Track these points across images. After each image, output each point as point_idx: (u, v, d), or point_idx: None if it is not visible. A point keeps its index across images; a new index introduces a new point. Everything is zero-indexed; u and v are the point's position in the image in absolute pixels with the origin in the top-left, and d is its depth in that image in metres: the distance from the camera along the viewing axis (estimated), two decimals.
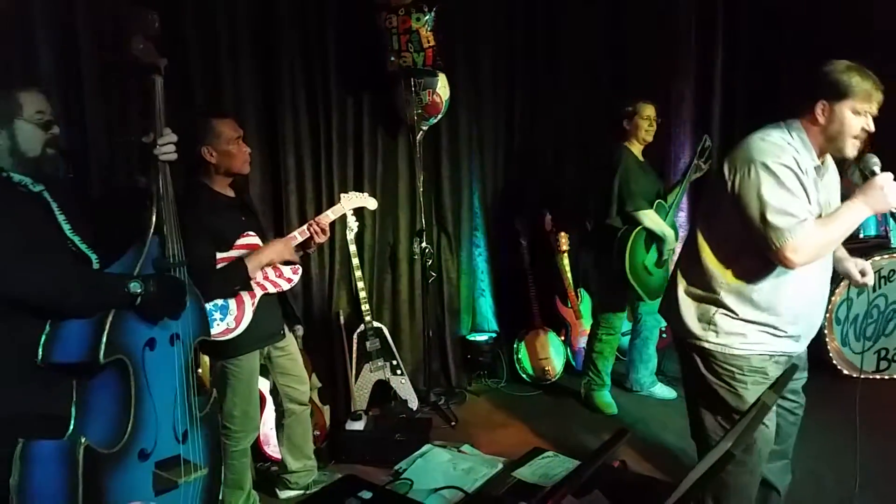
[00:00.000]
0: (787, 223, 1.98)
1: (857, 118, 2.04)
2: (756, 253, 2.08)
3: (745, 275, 2.15)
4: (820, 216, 2.10)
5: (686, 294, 2.28)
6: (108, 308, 1.84)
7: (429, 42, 3.86)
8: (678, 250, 3.63)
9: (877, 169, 2.08)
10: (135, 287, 1.87)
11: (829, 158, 2.22)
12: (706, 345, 2.20)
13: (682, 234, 4.54)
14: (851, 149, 2.09)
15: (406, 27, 3.78)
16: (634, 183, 3.85)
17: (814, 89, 2.08)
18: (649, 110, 3.95)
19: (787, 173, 2.01)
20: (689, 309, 2.26)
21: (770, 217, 1.99)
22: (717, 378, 2.20)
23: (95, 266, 1.99)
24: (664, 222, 3.91)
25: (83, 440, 1.76)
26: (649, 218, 3.85)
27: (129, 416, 1.88)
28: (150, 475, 1.94)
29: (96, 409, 1.88)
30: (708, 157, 4.14)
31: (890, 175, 2.03)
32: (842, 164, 2.24)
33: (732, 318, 2.17)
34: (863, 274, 2.32)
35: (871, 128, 2.06)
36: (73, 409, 1.86)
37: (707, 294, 2.22)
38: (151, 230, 2.00)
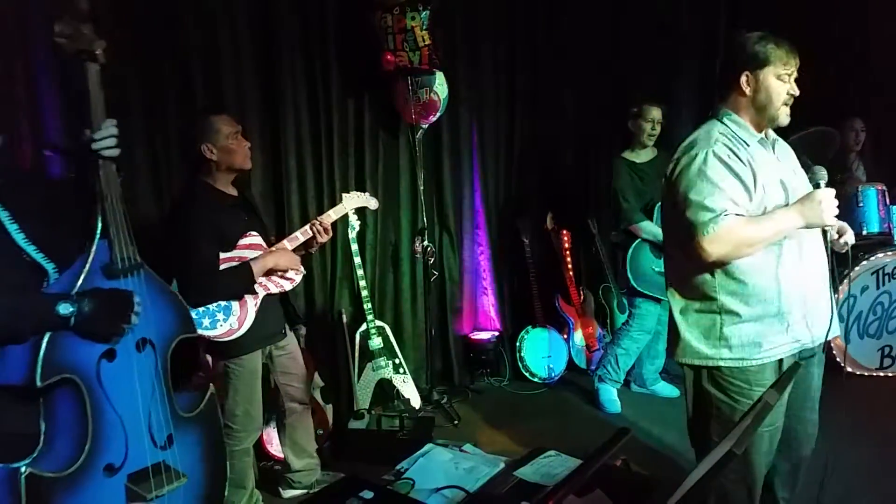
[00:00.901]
0: (704, 217, 1.99)
1: (781, 84, 2.08)
2: None
3: (734, 268, 2.09)
4: (784, 190, 2.09)
5: (683, 314, 2.22)
6: (39, 333, 1.71)
7: (424, 41, 3.86)
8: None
9: (822, 183, 2.07)
10: (64, 309, 1.70)
11: (772, 133, 2.22)
12: (720, 363, 2.13)
13: None
14: (784, 116, 2.12)
15: (401, 26, 3.78)
16: (625, 199, 3.91)
17: (735, 63, 2.12)
18: (654, 113, 3.96)
19: (713, 163, 2.03)
20: (692, 329, 2.19)
21: (689, 212, 2.02)
22: (723, 393, 2.14)
23: (54, 276, 1.84)
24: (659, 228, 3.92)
25: (24, 469, 1.67)
26: (644, 230, 3.90)
27: (87, 434, 1.78)
28: (122, 489, 1.85)
29: (56, 428, 1.78)
30: None
31: (832, 191, 2.02)
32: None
33: (739, 323, 2.10)
34: (840, 233, 2.26)
35: (796, 91, 2.11)
36: (42, 425, 1.77)
37: (706, 304, 2.15)
38: (97, 235, 1.84)
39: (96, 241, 1.84)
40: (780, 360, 2.12)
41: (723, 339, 2.12)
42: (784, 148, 2.28)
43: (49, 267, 1.83)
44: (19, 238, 1.79)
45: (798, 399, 2.26)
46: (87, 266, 1.82)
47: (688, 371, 2.24)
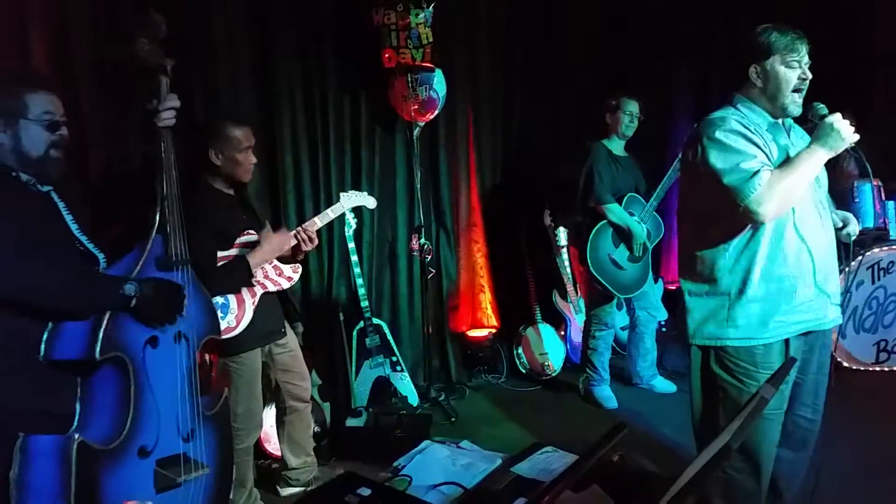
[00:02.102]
0: (740, 179, 2.02)
1: (790, 71, 2.12)
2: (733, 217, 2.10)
3: (740, 250, 2.14)
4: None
5: (692, 296, 2.26)
6: (102, 310, 1.84)
7: (427, 38, 3.86)
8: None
9: (823, 112, 2.11)
10: (129, 290, 1.87)
11: (788, 120, 2.25)
12: (727, 342, 2.16)
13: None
14: (794, 105, 2.15)
15: (405, 23, 3.78)
16: (600, 178, 3.91)
17: (744, 57, 2.17)
18: (632, 106, 3.98)
19: (731, 136, 2.08)
20: (696, 310, 2.24)
21: (726, 180, 2.04)
22: (729, 374, 2.18)
23: (103, 265, 2.00)
24: (631, 217, 3.94)
25: (77, 436, 1.78)
26: (611, 212, 3.91)
27: (129, 413, 1.89)
28: (151, 472, 1.94)
29: (97, 405, 1.89)
30: None
31: (837, 115, 2.06)
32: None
33: (746, 303, 2.13)
34: (845, 224, 2.31)
35: (808, 76, 2.13)
36: (77, 406, 1.87)
37: (713, 286, 2.19)
38: (155, 229, 2.00)
39: (153, 234, 2.00)
40: (787, 342, 2.15)
41: (730, 319, 2.16)
42: (799, 134, 2.32)
43: (100, 256, 1.99)
44: (74, 228, 1.96)
45: (803, 384, 2.28)
46: (144, 256, 1.97)
47: (696, 353, 2.28)
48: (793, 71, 2.11)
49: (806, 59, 2.13)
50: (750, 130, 2.11)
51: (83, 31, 2.96)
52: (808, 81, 2.14)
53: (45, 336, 1.82)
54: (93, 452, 1.80)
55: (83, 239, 1.97)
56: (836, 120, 2.04)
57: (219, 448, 2.18)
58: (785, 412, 2.25)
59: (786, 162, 2.10)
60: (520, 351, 4.61)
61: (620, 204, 3.95)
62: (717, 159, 2.07)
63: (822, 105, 2.12)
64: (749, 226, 2.11)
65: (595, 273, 3.94)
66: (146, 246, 1.99)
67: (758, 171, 2.01)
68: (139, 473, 1.92)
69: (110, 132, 3.04)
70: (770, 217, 2.03)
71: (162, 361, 1.99)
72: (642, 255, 3.99)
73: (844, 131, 2.03)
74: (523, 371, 4.59)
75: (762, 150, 2.09)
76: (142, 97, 2.05)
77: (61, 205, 1.96)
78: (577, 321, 4.75)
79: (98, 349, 1.80)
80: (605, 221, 3.94)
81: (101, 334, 1.81)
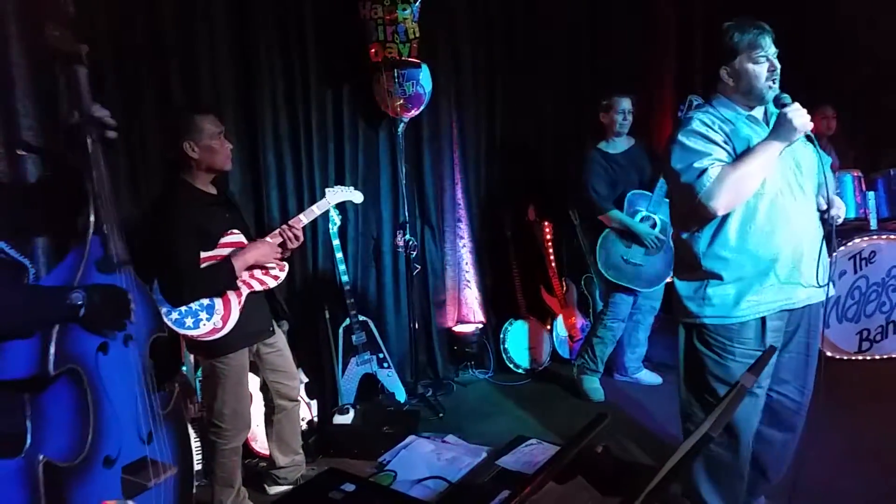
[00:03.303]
0: (691, 177, 2.14)
1: (758, 66, 2.19)
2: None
3: (712, 236, 2.25)
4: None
5: (679, 276, 2.39)
6: (50, 324, 1.73)
7: (414, 33, 3.85)
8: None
9: (786, 102, 2.14)
10: (76, 298, 1.73)
11: (769, 106, 2.30)
12: (705, 320, 2.28)
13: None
14: (768, 92, 2.21)
15: (392, 17, 3.77)
16: (595, 189, 3.98)
17: (715, 59, 2.27)
18: (624, 103, 4.00)
19: (692, 137, 2.20)
20: (681, 289, 2.36)
21: (682, 179, 2.17)
22: (708, 349, 2.30)
23: (32, 273, 1.86)
24: (636, 214, 3.95)
25: (41, 457, 1.69)
26: (612, 219, 3.95)
27: (90, 425, 1.81)
28: (118, 481, 1.88)
29: (53, 421, 1.79)
30: None
31: (797, 105, 2.11)
32: None
33: (721, 284, 2.25)
34: (830, 206, 2.34)
35: (777, 66, 2.20)
36: (27, 425, 1.76)
37: (694, 268, 2.30)
38: (91, 230, 1.88)
39: (90, 235, 1.87)
40: (763, 320, 2.25)
41: (706, 298, 2.27)
42: None
43: (27, 263, 1.84)
44: None
45: (786, 364, 2.37)
46: (84, 261, 1.85)
47: (681, 331, 2.41)
48: (760, 66, 2.18)
49: (772, 49, 2.19)
50: (713, 129, 2.20)
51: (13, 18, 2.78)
52: (777, 71, 2.20)
53: None
54: (59, 471, 1.72)
55: (3, 246, 1.81)
56: (791, 112, 2.08)
57: (178, 446, 2.13)
58: (769, 391, 2.36)
59: (740, 154, 2.17)
60: (507, 345, 4.61)
61: (621, 203, 3.97)
62: (676, 160, 2.22)
63: (785, 95, 2.16)
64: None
65: (613, 279, 3.98)
66: (84, 249, 1.86)
67: (706, 168, 2.12)
68: (107, 484, 1.85)
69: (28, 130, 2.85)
70: (723, 209, 2.14)
71: (114, 367, 1.90)
72: (660, 247, 3.98)
73: (797, 120, 2.07)
74: (510, 365, 4.60)
75: (721, 147, 2.19)
76: (63, 101, 1.93)
77: None
78: (563, 314, 4.76)
79: (51, 364, 1.70)
80: (608, 230, 3.99)
81: (52, 349, 1.71)
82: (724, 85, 2.26)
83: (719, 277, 2.24)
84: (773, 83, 2.19)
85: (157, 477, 1.95)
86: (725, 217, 2.20)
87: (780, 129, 2.10)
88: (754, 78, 2.19)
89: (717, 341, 2.28)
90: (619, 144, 4.09)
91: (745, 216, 2.20)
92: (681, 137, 2.21)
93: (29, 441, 1.74)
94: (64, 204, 1.95)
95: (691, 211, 2.19)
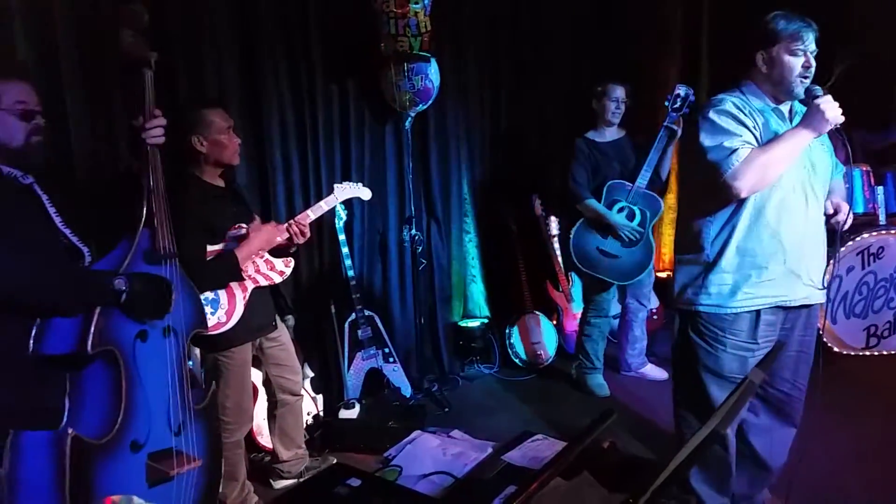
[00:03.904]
0: (721, 156, 2.13)
1: (794, 59, 2.18)
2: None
3: (722, 221, 2.26)
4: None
5: (679, 263, 2.41)
6: (92, 306, 1.83)
7: (426, 27, 3.84)
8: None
9: (818, 93, 2.15)
10: (119, 285, 1.86)
11: (795, 104, 2.32)
12: (699, 307, 2.30)
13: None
14: (799, 88, 2.21)
15: (404, 11, 3.75)
16: (573, 178, 3.98)
17: (750, 44, 2.26)
18: (618, 92, 3.97)
19: (722, 116, 2.18)
20: (680, 276, 2.38)
21: (709, 157, 2.16)
22: (700, 338, 2.32)
23: (88, 259, 1.98)
24: (614, 205, 3.94)
25: (70, 431, 1.77)
26: (586, 208, 3.95)
27: (120, 407, 1.88)
28: (143, 466, 1.94)
29: (87, 400, 1.89)
30: (688, 110, 3.87)
31: (829, 97, 2.11)
32: None
33: (720, 273, 2.26)
34: (836, 211, 2.34)
35: (812, 64, 2.19)
36: (66, 401, 1.86)
37: (695, 255, 2.32)
38: (142, 223, 2.00)
39: (141, 228, 2.00)
40: (758, 313, 2.26)
41: (703, 286, 2.29)
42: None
43: (85, 250, 1.98)
44: (57, 221, 1.95)
45: (779, 360, 2.38)
46: (132, 251, 1.96)
47: (677, 319, 2.44)
48: (797, 59, 2.18)
49: (812, 47, 2.18)
50: (744, 113, 2.19)
51: (68, 23, 2.90)
52: (812, 70, 2.19)
53: (33, 331, 1.81)
54: (86, 447, 1.80)
55: (67, 232, 1.96)
56: (823, 103, 2.09)
57: (208, 441, 2.19)
58: (764, 384, 2.39)
59: (770, 140, 2.17)
60: (512, 340, 4.61)
61: (599, 194, 3.96)
62: (705, 137, 2.18)
63: (818, 87, 2.17)
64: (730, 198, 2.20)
65: (586, 269, 3.98)
66: (134, 240, 1.98)
67: (737, 149, 2.11)
68: (132, 467, 1.92)
69: (96, 128, 2.99)
70: (746, 191, 2.13)
71: (151, 356, 1.99)
72: (638, 240, 3.96)
73: (829, 112, 2.07)
74: (516, 360, 4.60)
75: (751, 132, 2.17)
76: (128, 103, 2.06)
77: (44, 197, 1.94)
78: (570, 309, 4.75)
79: (90, 343, 1.80)
80: (582, 220, 3.99)
81: (92, 329, 1.81)
82: (756, 71, 2.25)
83: (719, 266, 2.26)
84: (805, 80, 2.19)
85: (180, 467, 2.01)
86: (739, 207, 2.22)
87: (811, 118, 2.11)
88: (788, 70, 2.18)
89: (709, 331, 2.30)
90: (608, 134, 4.07)
91: (756, 208, 2.21)
92: (712, 115, 2.20)
93: (65, 417, 1.84)
94: (124, 198, 2.08)
95: (712, 190, 2.18)
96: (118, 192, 2.18)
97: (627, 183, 3.96)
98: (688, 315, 2.36)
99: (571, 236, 4.00)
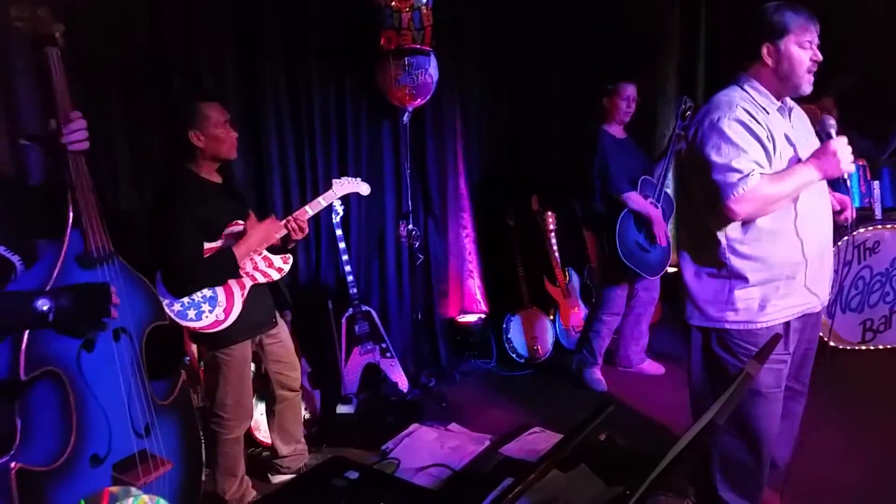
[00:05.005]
0: (732, 178, 2.01)
1: (803, 52, 2.08)
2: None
3: (746, 234, 2.14)
4: (799, 159, 2.12)
5: (696, 276, 2.25)
6: (16, 331, 1.69)
7: (429, 20, 3.83)
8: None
9: (832, 132, 2.09)
10: (41, 306, 1.63)
11: (789, 101, 2.23)
12: (726, 325, 2.18)
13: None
14: (807, 84, 2.12)
15: (409, 4, 3.74)
16: (613, 168, 3.88)
17: (755, 35, 2.13)
18: (629, 90, 3.97)
19: (735, 126, 2.05)
20: (702, 291, 2.23)
21: (714, 176, 2.04)
22: (731, 355, 2.19)
23: (20, 268, 1.84)
24: (648, 201, 3.93)
25: (14, 465, 1.68)
26: (632, 200, 3.88)
27: (72, 426, 1.79)
28: (109, 479, 1.87)
29: (35, 424, 1.78)
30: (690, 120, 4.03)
31: (844, 139, 2.04)
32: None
33: (747, 287, 2.14)
34: (843, 208, 2.31)
35: (819, 57, 2.10)
36: (18, 422, 1.76)
37: (717, 268, 2.19)
38: (69, 225, 1.83)
39: (69, 230, 1.82)
40: (788, 323, 2.17)
41: (729, 302, 2.16)
42: (799, 115, 2.31)
43: (14, 259, 1.81)
44: None
45: (791, 359, 2.31)
46: (62, 256, 1.79)
47: (696, 334, 2.29)
48: (806, 52, 2.09)
49: (817, 40, 2.10)
50: (756, 119, 2.08)
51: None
52: (818, 63, 2.11)
53: None
54: (35, 476, 1.71)
55: None
56: (839, 147, 2.02)
57: (182, 436, 2.10)
58: None
59: (778, 172, 2.07)
60: (510, 336, 4.61)
61: (636, 189, 3.94)
62: (712, 150, 2.06)
63: (832, 122, 2.10)
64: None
65: (627, 262, 3.91)
66: (62, 245, 1.82)
67: (747, 175, 2.00)
68: (95, 482, 1.82)
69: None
70: (743, 218, 2.06)
71: (101, 364, 1.87)
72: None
73: (843, 162, 2.01)
74: (513, 356, 4.60)
75: (763, 145, 2.07)
76: (40, 110, 1.82)
77: None
78: (567, 305, 4.76)
79: (22, 370, 1.68)
80: (626, 211, 3.90)
81: (21, 355, 1.68)
82: (761, 65, 2.13)
83: (745, 279, 2.14)
84: (811, 75, 2.11)
85: (147, 476, 1.91)
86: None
87: (823, 160, 2.03)
88: (798, 63, 2.08)
89: (742, 348, 2.17)
90: (620, 131, 4.07)
91: (784, 213, 2.10)
92: (723, 125, 2.06)
93: (17, 442, 1.73)
94: (44, 199, 1.91)
95: (709, 208, 2.11)
96: (44, 193, 1.99)
97: (654, 181, 3.98)
98: (712, 331, 2.23)
99: (617, 226, 3.87)
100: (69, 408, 1.79)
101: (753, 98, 2.14)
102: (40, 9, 1.70)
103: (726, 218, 2.07)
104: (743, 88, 2.17)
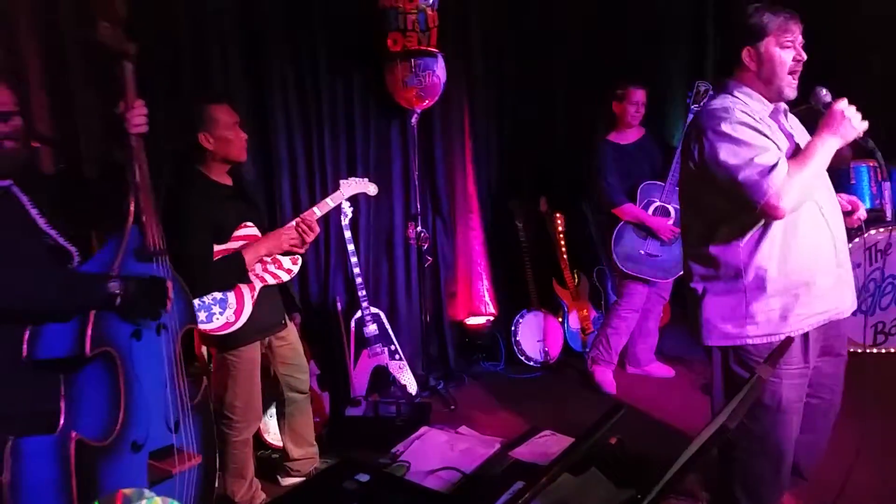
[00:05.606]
0: (756, 175, 1.93)
1: (785, 52, 2.05)
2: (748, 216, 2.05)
3: (754, 242, 2.07)
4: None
5: (706, 294, 2.17)
6: (86, 310, 1.80)
7: (435, 22, 3.83)
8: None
9: (828, 98, 2.05)
10: (113, 288, 1.82)
11: (782, 105, 2.19)
12: (748, 340, 2.10)
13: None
14: (790, 89, 2.09)
15: (414, 6, 3.75)
16: (607, 181, 3.94)
17: (735, 41, 2.10)
18: (638, 95, 3.97)
19: (740, 128, 2.00)
20: (712, 308, 2.16)
21: (740, 177, 1.96)
22: (751, 373, 2.05)
23: (76, 259, 1.95)
24: (654, 206, 3.93)
25: (74, 434, 1.74)
26: (625, 213, 3.92)
27: (120, 408, 1.86)
28: (144, 466, 1.92)
29: (86, 402, 1.85)
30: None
31: (845, 101, 2.00)
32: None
33: (765, 298, 2.07)
34: (854, 208, 2.27)
35: (803, 56, 2.07)
36: (62, 404, 1.83)
37: (731, 281, 2.11)
38: (130, 220, 1.95)
39: (129, 225, 1.95)
40: (807, 334, 2.10)
41: (748, 316, 2.08)
42: (794, 120, 2.29)
43: (73, 249, 1.95)
44: (41, 222, 1.90)
45: (824, 367, 2.24)
46: (122, 249, 1.92)
47: (717, 354, 2.20)
48: (787, 52, 2.05)
49: (800, 38, 2.07)
50: (755, 119, 2.04)
51: (41, 18, 2.83)
52: (802, 63, 2.08)
53: (26, 335, 1.77)
54: (90, 450, 1.77)
55: (52, 233, 1.91)
56: (844, 108, 1.97)
57: (204, 436, 2.17)
58: (807, 396, 2.20)
59: (798, 152, 2.03)
60: (518, 338, 4.60)
61: (634, 195, 3.95)
62: (727, 155, 1.98)
63: (825, 90, 2.06)
64: (762, 219, 2.04)
65: (632, 272, 3.94)
66: (122, 238, 1.94)
67: (775, 165, 1.93)
68: (133, 468, 1.89)
69: (80, 125, 2.93)
70: (789, 212, 1.96)
71: (147, 354, 1.96)
72: (677, 236, 3.91)
73: (854, 119, 1.97)
74: (522, 358, 4.59)
75: (773, 140, 2.02)
76: (109, 94, 1.97)
77: (24, 199, 1.89)
78: (575, 307, 4.75)
79: (88, 346, 1.78)
80: (623, 222, 3.96)
81: (89, 331, 1.78)
82: (743, 69, 2.10)
83: (762, 290, 2.06)
84: (795, 77, 2.07)
85: (181, 465, 1.99)
86: (767, 223, 2.04)
87: (837, 126, 1.97)
88: (779, 65, 2.04)
89: (760, 364, 2.06)
90: (630, 135, 4.07)
91: (790, 220, 2.02)
92: (726, 128, 2.00)
93: (63, 420, 1.81)
94: (109, 195, 2.04)
95: (736, 212, 2.02)
96: (103, 188, 2.11)
97: (659, 182, 3.98)
98: (730, 350, 2.14)
99: (613, 240, 3.96)
100: (119, 390, 1.88)
101: (746, 103, 2.10)
102: (121, 29, 1.91)
103: (769, 217, 1.98)
104: (734, 95, 2.13)
